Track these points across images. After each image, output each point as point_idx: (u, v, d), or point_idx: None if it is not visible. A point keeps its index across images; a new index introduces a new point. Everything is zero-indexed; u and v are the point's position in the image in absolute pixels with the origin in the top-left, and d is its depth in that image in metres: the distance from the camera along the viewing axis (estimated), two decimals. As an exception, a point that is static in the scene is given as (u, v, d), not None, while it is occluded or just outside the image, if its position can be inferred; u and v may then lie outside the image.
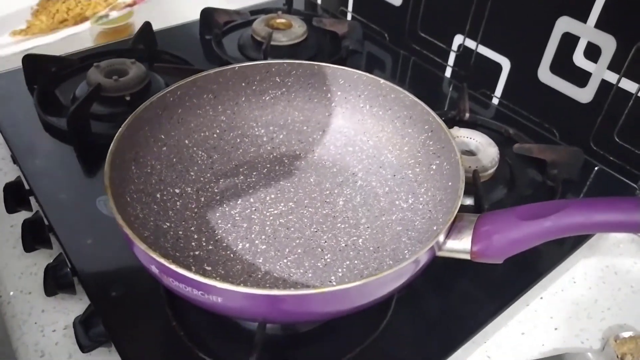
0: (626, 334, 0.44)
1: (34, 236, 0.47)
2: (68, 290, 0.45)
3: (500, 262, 0.34)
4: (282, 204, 0.44)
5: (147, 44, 0.67)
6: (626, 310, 0.47)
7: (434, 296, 0.42)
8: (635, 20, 0.50)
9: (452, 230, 0.34)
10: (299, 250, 0.41)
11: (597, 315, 0.47)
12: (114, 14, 0.27)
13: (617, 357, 0.43)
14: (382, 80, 0.45)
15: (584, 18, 0.53)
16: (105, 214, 0.46)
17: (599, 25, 0.53)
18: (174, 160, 0.44)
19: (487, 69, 0.65)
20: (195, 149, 0.45)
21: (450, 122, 0.57)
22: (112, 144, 0.36)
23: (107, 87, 0.57)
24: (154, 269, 0.31)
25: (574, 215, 0.30)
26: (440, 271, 0.44)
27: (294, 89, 0.49)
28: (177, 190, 0.43)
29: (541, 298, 0.48)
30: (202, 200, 0.44)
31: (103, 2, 0.29)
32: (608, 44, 0.52)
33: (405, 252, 0.40)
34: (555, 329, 0.46)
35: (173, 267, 0.29)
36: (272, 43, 0.67)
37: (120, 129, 0.38)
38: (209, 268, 0.39)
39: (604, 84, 0.54)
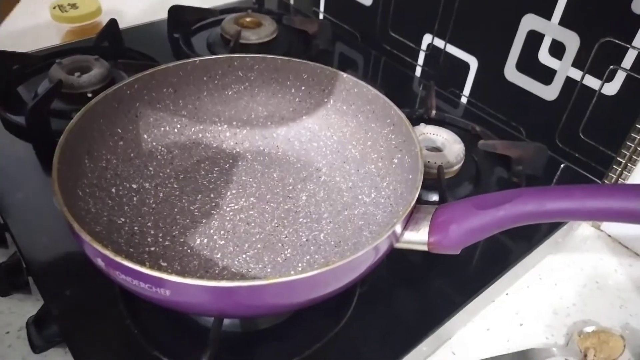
0: (589, 329, 0.44)
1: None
2: (23, 290, 0.43)
3: (457, 252, 0.33)
4: (243, 199, 0.44)
5: (112, 41, 0.66)
6: (591, 306, 0.47)
7: (397, 291, 0.42)
8: (597, 17, 0.50)
9: (410, 221, 0.34)
10: (259, 246, 0.40)
11: (562, 311, 0.47)
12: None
13: (581, 351, 0.43)
14: (345, 74, 0.45)
15: (548, 15, 0.54)
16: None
17: (563, 22, 0.53)
18: (132, 155, 0.43)
19: (455, 68, 0.65)
20: (154, 143, 0.44)
21: (418, 120, 0.57)
22: (61, 137, 0.35)
23: (69, 84, 0.56)
24: (99, 262, 0.30)
25: (527, 204, 0.29)
26: (403, 266, 0.43)
27: (258, 84, 0.48)
28: (134, 186, 0.42)
29: (507, 294, 0.48)
30: (161, 195, 0.43)
31: None
32: (572, 41, 0.53)
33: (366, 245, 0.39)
34: (521, 324, 0.46)
35: (118, 259, 0.28)
36: (242, 41, 0.66)
37: (71, 122, 0.37)
38: (165, 264, 0.38)
39: (569, 81, 0.55)
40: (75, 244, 0.31)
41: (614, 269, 0.52)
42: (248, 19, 0.70)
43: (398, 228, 0.33)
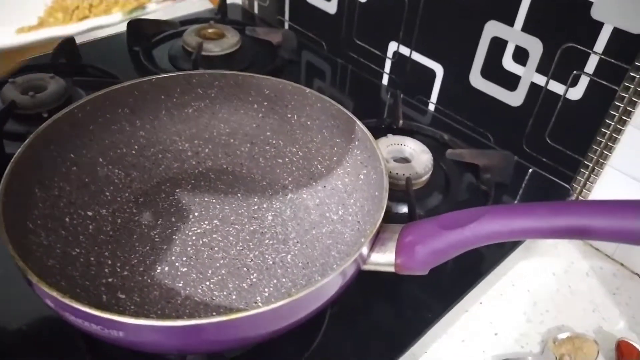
0: (563, 335, 0.44)
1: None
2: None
3: (424, 273, 0.33)
4: (206, 222, 0.42)
5: (69, 57, 0.63)
6: (564, 312, 0.47)
7: (369, 310, 0.41)
8: (559, 23, 0.50)
9: (376, 242, 0.33)
10: (223, 271, 0.38)
11: (536, 318, 0.47)
12: (151, 7, 0.23)
13: (556, 358, 0.43)
14: (307, 90, 0.44)
15: (510, 22, 0.54)
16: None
17: (525, 28, 0.53)
18: (86, 180, 0.41)
19: (422, 76, 0.64)
20: (110, 167, 0.43)
21: (386, 130, 0.56)
22: (7, 168, 0.33)
23: (23, 104, 0.53)
24: (49, 302, 0.28)
25: (492, 223, 0.29)
26: (374, 283, 0.42)
27: (219, 101, 0.46)
28: (89, 213, 0.40)
29: (480, 303, 0.47)
30: (119, 222, 0.41)
31: None
32: (535, 47, 0.53)
33: (334, 266, 0.38)
34: (495, 334, 0.45)
35: (65, 299, 0.26)
36: (204, 53, 0.65)
37: (18, 150, 0.35)
38: (123, 296, 0.36)
39: (534, 86, 0.55)
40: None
41: (585, 273, 0.52)
42: (210, 30, 0.69)
43: (365, 250, 0.32)
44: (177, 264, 0.38)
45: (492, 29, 0.55)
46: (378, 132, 0.47)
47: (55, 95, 0.55)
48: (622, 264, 0.52)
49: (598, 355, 0.43)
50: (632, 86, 0.46)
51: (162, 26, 0.70)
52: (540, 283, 0.50)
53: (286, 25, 0.80)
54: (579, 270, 0.52)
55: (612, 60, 0.47)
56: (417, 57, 0.64)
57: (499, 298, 0.48)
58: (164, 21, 0.71)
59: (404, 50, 0.65)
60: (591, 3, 0.47)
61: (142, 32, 0.68)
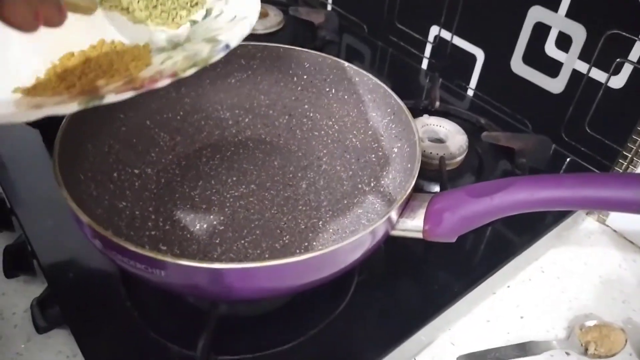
0: (590, 323, 0.44)
1: (-5, 219, 0.46)
2: (29, 272, 0.44)
3: (452, 240, 0.33)
4: (244, 187, 0.44)
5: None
6: (593, 300, 0.47)
7: (395, 280, 0.42)
8: (603, 9, 0.50)
9: (406, 209, 0.34)
10: (257, 232, 0.40)
11: (563, 305, 0.47)
12: (110, 98, 0.23)
13: (581, 345, 0.42)
14: (346, 64, 0.45)
15: (555, 7, 0.53)
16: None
17: (569, 14, 0.52)
18: (134, 140, 0.43)
19: (462, 60, 0.64)
20: (157, 130, 0.45)
21: (422, 111, 0.57)
22: (63, 121, 0.36)
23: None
24: (97, 243, 0.30)
25: (520, 192, 0.29)
26: (403, 255, 0.43)
27: (260, 72, 0.48)
28: (136, 171, 0.42)
29: (508, 287, 0.48)
30: (162, 181, 0.43)
31: (124, 71, 0.28)
32: (578, 34, 0.52)
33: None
34: (521, 317, 0.45)
35: (114, 239, 0.28)
36: (248, 32, 0.66)
37: (73, 107, 0.37)
38: (164, 247, 0.38)
39: (575, 74, 0.54)
40: (78, 228, 0.32)
41: (617, 264, 0.51)
42: (255, 10, 0.71)
43: (394, 215, 0.33)
44: (214, 222, 0.41)
45: (536, 14, 0.55)
46: (415, 113, 0.47)
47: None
48: (656, 257, 0.52)
49: (626, 345, 0.43)
50: (678, 74, 0.45)
51: (209, 4, 0.73)
52: (571, 271, 0.50)
53: (329, 7, 0.81)
54: (612, 261, 0.51)
55: (658, 48, 0.47)
56: (458, 41, 0.64)
57: (528, 283, 0.48)
58: None
59: (445, 35, 0.65)
60: (640, -12, 0.46)
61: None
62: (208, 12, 0.37)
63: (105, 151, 0.41)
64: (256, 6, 0.34)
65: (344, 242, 0.29)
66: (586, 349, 0.42)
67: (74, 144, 0.37)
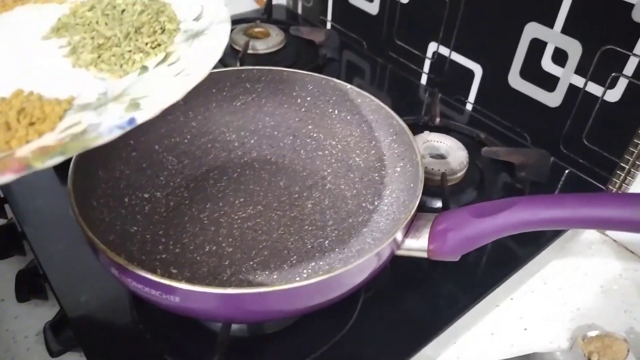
0: (593, 333, 0.44)
1: (8, 243, 0.47)
2: (41, 295, 0.45)
3: (456, 259, 0.34)
4: (251, 208, 0.45)
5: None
6: (595, 311, 0.48)
7: (401, 296, 0.43)
8: (599, 25, 0.51)
9: (411, 229, 0.35)
10: (265, 253, 0.41)
11: (566, 316, 0.47)
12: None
13: (584, 355, 0.43)
14: (348, 86, 0.46)
15: (550, 23, 0.55)
16: (78, 220, 0.46)
17: (565, 30, 0.54)
18: (144, 165, 0.44)
19: (460, 76, 0.66)
20: (165, 154, 0.46)
21: (422, 127, 0.58)
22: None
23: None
24: (114, 271, 0.31)
25: (522, 212, 0.30)
26: (408, 271, 0.44)
27: (265, 95, 0.49)
28: (146, 195, 0.43)
29: (511, 299, 0.49)
30: (171, 204, 0.44)
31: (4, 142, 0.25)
32: (574, 49, 0.54)
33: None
34: (525, 329, 0.46)
35: (130, 267, 0.29)
36: (250, 51, 0.68)
37: (86, 134, 0.38)
38: (175, 271, 0.39)
39: (572, 88, 0.55)
40: (89, 251, 0.33)
41: (618, 274, 0.52)
42: (256, 29, 0.72)
43: (399, 235, 0.34)
44: (223, 244, 0.42)
45: (532, 30, 0.56)
46: (415, 129, 0.48)
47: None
48: (656, 267, 0.53)
49: (628, 354, 0.43)
50: (672, 88, 0.47)
51: (211, 25, 0.74)
52: (573, 282, 0.50)
53: (329, 25, 0.83)
54: (612, 271, 0.52)
55: (652, 63, 0.48)
56: (456, 57, 0.66)
57: (530, 294, 0.49)
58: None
59: (444, 51, 0.67)
60: (632, 5, 0.47)
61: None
62: (166, 57, 0.32)
63: (117, 177, 0.42)
64: (209, 62, 0.30)
65: (350, 265, 0.30)
66: (589, 359, 0.43)
67: (86, 172, 0.38)
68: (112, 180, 0.41)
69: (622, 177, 0.53)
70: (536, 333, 0.46)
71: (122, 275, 0.31)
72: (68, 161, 0.36)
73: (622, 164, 0.53)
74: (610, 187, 0.55)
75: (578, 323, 0.47)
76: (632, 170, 0.52)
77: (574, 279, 0.51)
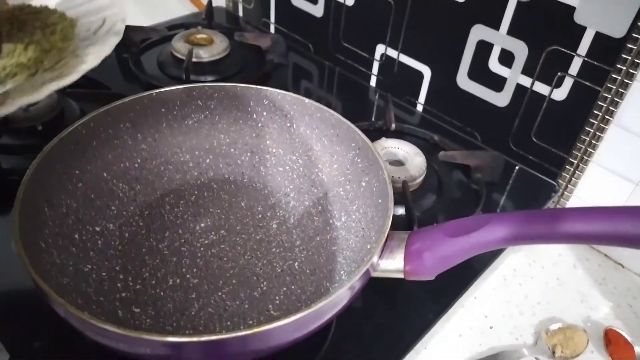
0: (555, 326, 0.46)
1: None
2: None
3: (432, 278, 0.34)
4: (213, 233, 0.43)
5: (57, 67, 0.62)
6: (554, 303, 0.50)
7: (372, 312, 0.42)
8: (543, 27, 0.52)
9: (385, 250, 0.34)
10: (234, 281, 0.39)
11: (528, 311, 0.49)
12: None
13: (549, 349, 0.45)
14: (306, 100, 0.45)
15: (496, 26, 0.55)
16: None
17: (511, 32, 0.55)
18: (92, 196, 0.41)
19: (410, 77, 0.66)
20: (115, 181, 0.43)
21: (378, 133, 0.58)
22: (19, 190, 0.34)
23: (16, 118, 0.53)
24: (73, 322, 0.29)
25: (495, 231, 0.30)
26: (375, 283, 0.44)
27: (218, 112, 0.47)
28: (97, 229, 0.40)
29: (475, 298, 0.50)
30: (126, 236, 0.42)
31: None
32: (520, 50, 0.55)
33: (342, 272, 0.39)
34: (491, 327, 0.47)
35: (93, 321, 0.27)
36: (194, 59, 0.65)
37: (27, 172, 0.35)
38: (138, 310, 0.37)
39: (519, 87, 0.57)
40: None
41: (572, 264, 0.54)
42: (199, 36, 0.69)
43: (375, 258, 0.33)
44: (188, 276, 0.39)
45: (478, 32, 0.57)
46: (370, 135, 0.48)
47: (48, 107, 0.55)
48: (606, 255, 0.55)
49: (588, 344, 0.45)
50: (614, 87, 0.48)
51: (149, 33, 0.70)
52: (530, 276, 0.52)
53: (272, 28, 0.81)
54: (567, 262, 0.54)
55: (595, 63, 0.50)
56: (404, 59, 0.66)
57: (493, 292, 0.50)
58: (151, 28, 0.71)
59: (392, 53, 0.67)
60: (574, 8, 0.49)
61: (129, 39, 0.68)
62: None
63: (64, 212, 0.38)
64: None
65: (329, 298, 0.29)
66: (553, 352, 0.45)
67: (31, 212, 0.34)
68: (59, 217, 0.38)
69: (571, 171, 0.55)
70: (502, 330, 0.47)
71: (87, 330, 0.28)
72: (10, 203, 0.33)
73: (570, 159, 0.55)
74: (560, 181, 0.57)
75: (540, 317, 0.48)
76: (580, 164, 0.54)
77: (532, 273, 0.53)
